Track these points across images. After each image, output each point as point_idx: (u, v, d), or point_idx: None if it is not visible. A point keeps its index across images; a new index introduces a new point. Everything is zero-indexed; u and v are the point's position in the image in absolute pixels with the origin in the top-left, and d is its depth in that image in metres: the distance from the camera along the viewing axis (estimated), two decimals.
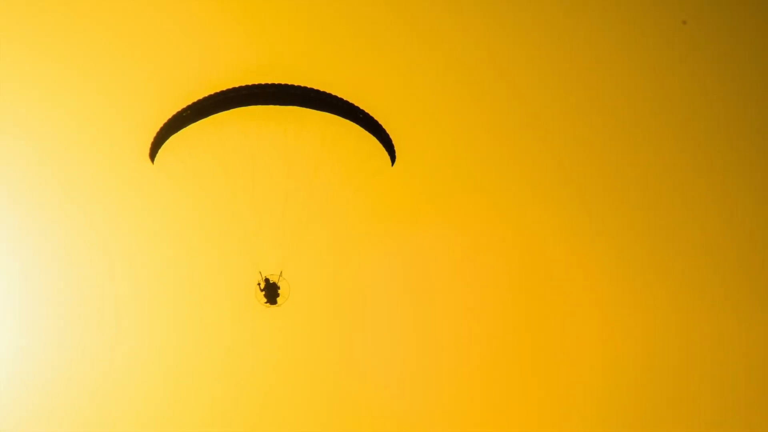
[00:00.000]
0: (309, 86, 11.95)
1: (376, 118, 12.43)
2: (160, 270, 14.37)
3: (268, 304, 12.98)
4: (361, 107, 12.29)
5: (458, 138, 14.59)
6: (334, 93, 12.11)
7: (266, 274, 12.94)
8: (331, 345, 14.70)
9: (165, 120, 12.01)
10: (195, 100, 11.83)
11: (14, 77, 13.83)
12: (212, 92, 11.78)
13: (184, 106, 11.87)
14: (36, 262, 14.27)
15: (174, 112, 11.94)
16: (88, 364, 14.38)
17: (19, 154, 14.03)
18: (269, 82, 11.83)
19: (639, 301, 14.74)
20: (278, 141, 12.24)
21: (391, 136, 12.63)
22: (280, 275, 12.97)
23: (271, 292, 12.94)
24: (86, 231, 14.23)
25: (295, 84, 11.92)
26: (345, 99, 12.18)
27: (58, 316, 14.34)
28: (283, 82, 11.87)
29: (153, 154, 12.26)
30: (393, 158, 12.80)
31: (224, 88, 11.76)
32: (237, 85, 11.76)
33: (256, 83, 11.79)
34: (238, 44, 13.87)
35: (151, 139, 12.21)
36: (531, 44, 14.51)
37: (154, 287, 14.40)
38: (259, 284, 12.95)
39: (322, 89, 12.03)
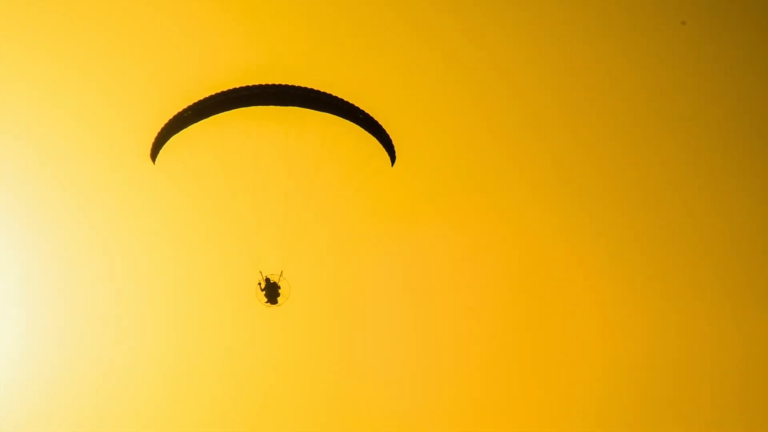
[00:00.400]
0: (309, 87, 11.97)
1: (376, 118, 12.45)
2: (161, 270, 14.39)
3: (268, 304, 13.01)
4: (361, 107, 12.31)
5: (458, 138, 14.61)
6: (334, 93, 12.12)
7: (267, 273, 12.96)
8: (331, 345, 14.72)
9: (166, 120, 12.04)
10: (196, 100, 11.85)
11: (14, 77, 13.84)
12: (213, 93, 11.81)
13: (185, 106, 11.90)
14: (36, 262, 14.28)
15: (175, 112, 11.96)
16: (88, 364, 14.40)
17: (19, 154, 14.04)
18: (270, 83, 11.85)
19: (639, 301, 14.76)
20: (279, 141, 12.25)
21: (391, 137, 12.65)
22: (281, 275, 12.99)
23: (271, 291, 12.96)
24: (87, 231, 14.25)
25: (296, 84, 11.93)
26: (345, 99, 12.20)
27: (58, 316, 14.35)
28: (283, 83, 11.89)
29: (154, 154, 12.28)
30: (393, 158, 12.81)
31: (225, 89, 11.78)
32: (238, 86, 11.78)
33: (257, 84, 11.81)
34: (239, 45, 13.88)
35: (152, 140, 12.24)
36: (531, 44, 14.53)
37: (154, 287, 14.42)
38: (259, 284, 12.97)
39: (322, 90, 12.05)
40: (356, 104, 12.25)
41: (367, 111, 12.35)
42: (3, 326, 14.28)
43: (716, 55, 14.75)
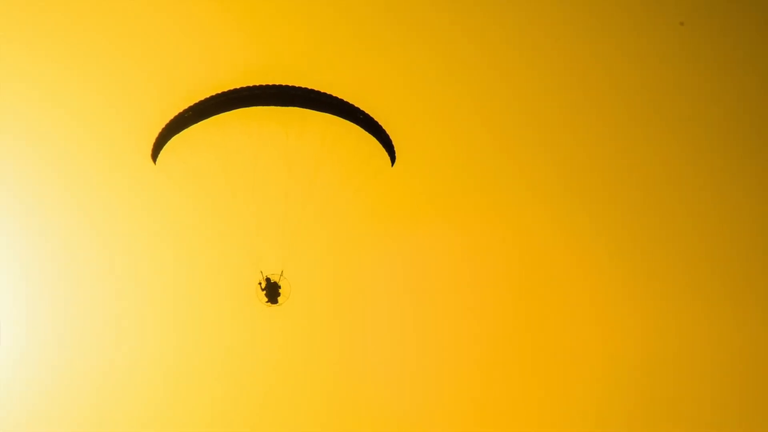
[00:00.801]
0: (309, 87, 11.99)
1: (376, 118, 12.47)
2: (162, 270, 14.40)
3: (269, 304, 13.04)
4: (361, 108, 12.33)
5: (458, 138, 14.63)
6: (334, 94, 12.14)
7: (267, 273, 12.99)
8: (331, 345, 14.74)
9: (167, 121, 12.05)
10: (197, 101, 11.87)
11: (16, 77, 13.85)
12: (214, 93, 11.83)
13: (186, 107, 11.92)
14: (37, 262, 14.29)
15: (176, 112, 11.98)
16: (88, 364, 14.41)
17: (19, 154, 14.05)
18: (270, 83, 11.87)
19: (639, 301, 14.79)
20: (279, 142, 12.27)
21: (390, 137, 12.67)
22: (281, 275, 13.01)
23: (272, 291, 13.00)
24: (88, 231, 14.25)
25: (296, 85, 11.95)
26: (345, 100, 12.22)
27: (58, 316, 14.36)
28: (283, 83, 11.91)
29: (155, 154, 12.30)
30: (393, 159, 12.84)
31: (226, 89, 11.80)
32: (238, 86, 11.80)
33: (258, 84, 11.83)
34: (240, 45, 13.89)
35: (152, 140, 12.26)
36: (530, 45, 14.55)
37: (155, 287, 14.43)
38: (260, 284, 13.00)
39: (322, 90, 12.07)
40: (356, 104, 12.28)
41: (367, 111, 12.38)
42: (3, 326, 14.28)
43: (715, 55, 14.78)
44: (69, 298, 14.35)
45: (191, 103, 11.88)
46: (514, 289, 14.78)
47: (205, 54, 13.89)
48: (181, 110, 11.92)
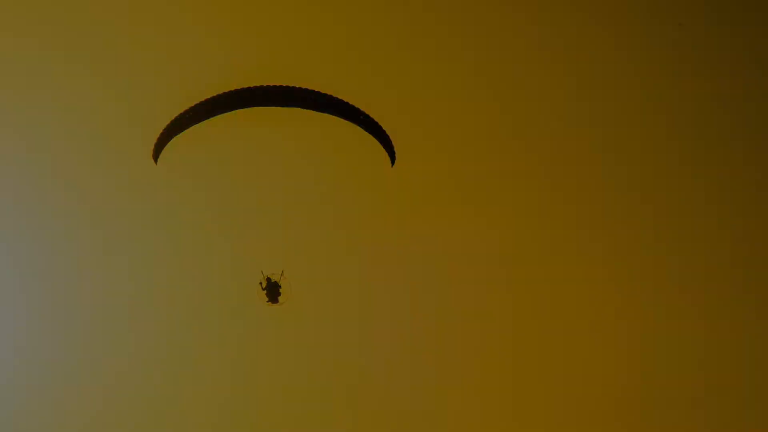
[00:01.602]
0: (310, 88, 12.03)
1: (376, 119, 12.50)
2: (162, 269, 14.43)
3: (269, 303, 13.09)
4: (361, 108, 12.36)
5: (457, 139, 14.67)
6: (334, 95, 12.18)
7: (268, 273, 13.04)
8: (331, 345, 14.77)
9: (168, 121, 12.09)
10: (198, 101, 11.91)
11: (17, 78, 13.91)
12: (215, 94, 11.87)
13: (187, 107, 11.95)
14: (38, 262, 14.33)
15: (177, 113, 12.02)
16: (89, 364, 14.45)
17: (21, 154, 14.11)
18: (270, 84, 11.91)
19: (636, 303, 14.82)
20: (279, 142, 12.32)
21: (390, 137, 12.70)
22: (282, 274, 13.06)
23: (272, 291, 13.05)
24: (89, 231, 14.29)
25: (296, 86, 12.00)
26: (345, 100, 12.26)
27: (59, 317, 14.39)
28: (283, 84, 11.95)
29: (156, 154, 12.34)
30: (393, 159, 12.87)
31: (226, 90, 11.84)
32: (239, 87, 11.84)
33: (258, 85, 11.87)
34: (240, 46, 13.94)
35: (154, 140, 12.30)
36: (528, 48, 14.59)
37: (155, 287, 14.46)
38: (260, 283, 13.05)
39: (322, 91, 12.11)
40: (357, 106, 12.31)
41: (366, 112, 12.41)
42: (3, 326, 14.32)
43: (713, 56, 14.80)
44: (69, 298, 14.40)
45: (192, 104, 11.93)
46: (513, 290, 14.83)
47: (205, 55, 13.95)
48: (182, 111, 11.97)
